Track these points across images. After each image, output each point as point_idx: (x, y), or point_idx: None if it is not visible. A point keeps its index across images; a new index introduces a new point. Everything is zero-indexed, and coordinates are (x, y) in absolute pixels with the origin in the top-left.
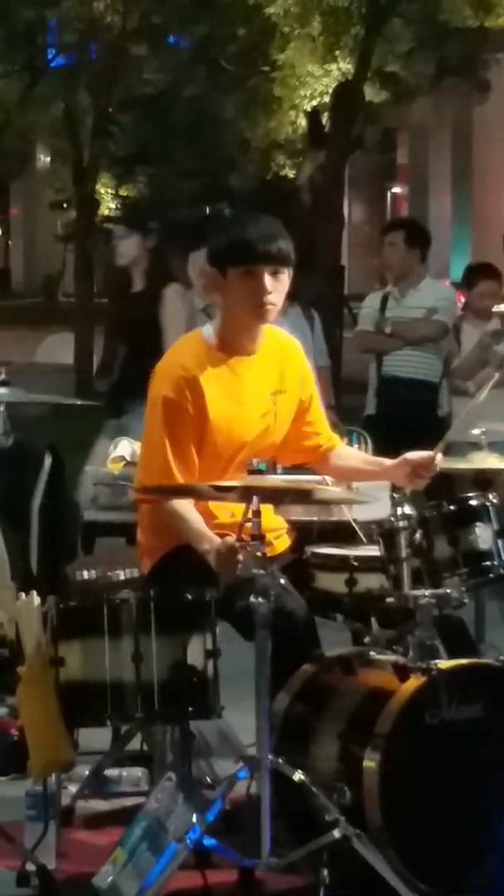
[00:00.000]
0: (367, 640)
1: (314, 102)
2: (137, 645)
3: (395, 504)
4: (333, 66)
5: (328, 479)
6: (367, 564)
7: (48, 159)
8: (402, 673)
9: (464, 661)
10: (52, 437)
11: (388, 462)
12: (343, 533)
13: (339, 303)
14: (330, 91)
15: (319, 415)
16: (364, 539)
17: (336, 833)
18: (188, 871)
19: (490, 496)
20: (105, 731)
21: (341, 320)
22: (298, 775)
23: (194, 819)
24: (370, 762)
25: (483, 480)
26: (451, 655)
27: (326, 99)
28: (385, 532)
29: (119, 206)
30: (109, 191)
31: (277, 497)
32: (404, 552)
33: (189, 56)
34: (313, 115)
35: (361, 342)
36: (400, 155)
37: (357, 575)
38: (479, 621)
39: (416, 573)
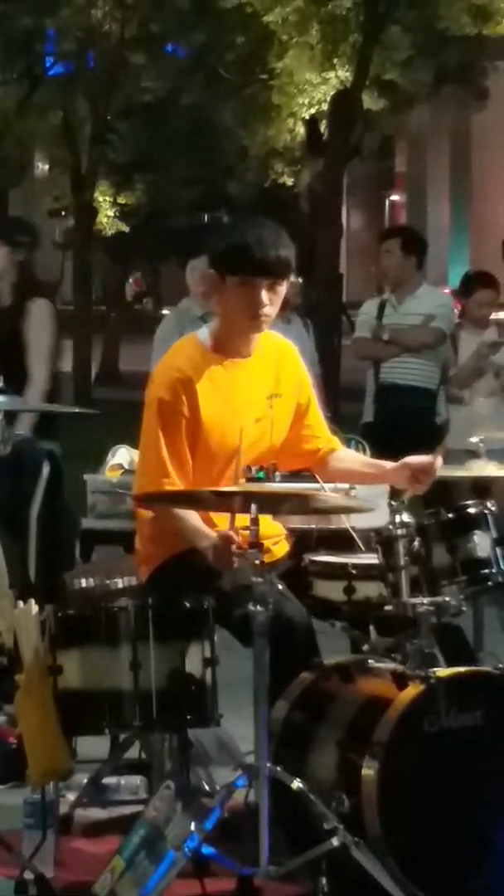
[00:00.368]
0: (365, 647)
1: (312, 110)
2: (136, 653)
3: (394, 512)
4: (332, 74)
5: (326, 486)
6: (366, 572)
7: (46, 167)
8: (401, 681)
9: (462, 669)
10: (51, 445)
11: (388, 465)
12: (341, 541)
13: (337, 310)
14: (328, 99)
15: (318, 418)
16: (362, 547)
17: (334, 841)
18: (187, 879)
19: (488, 504)
20: (103, 740)
21: (339, 328)
22: (297, 783)
23: (193, 827)
24: (369, 770)
25: (481, 488)
26: (450, 663)
27: (325, 107)
28: (383, 540)
29: (118, 213)
30: (108, 198)
31: (276, 504)
32: (403, 560)
33: (187, 64)
34: (312, 123)
35: (359, 349)
36: (398, 162)
37: (355, 583)
38: (478, 629)
39: (414, 581)
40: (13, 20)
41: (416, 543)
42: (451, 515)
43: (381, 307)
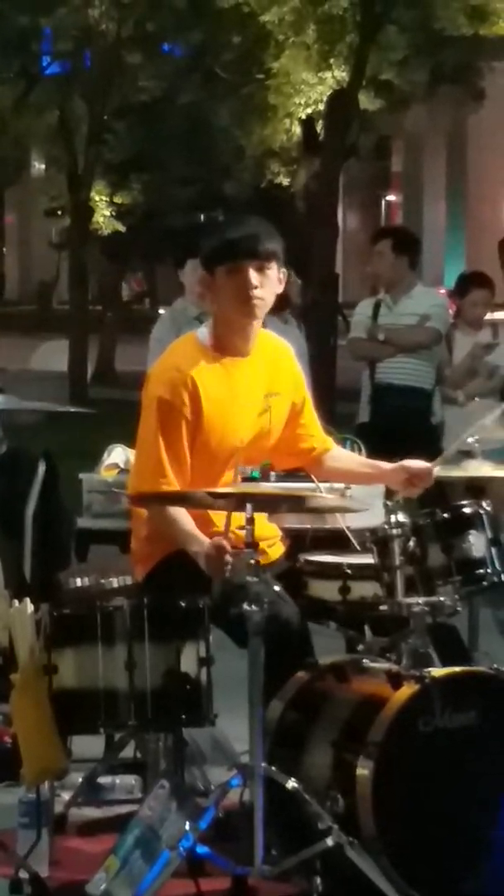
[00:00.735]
0: (360, 647)
1: (309, 110)
2: (131, 652)
3: (389, 512)
4: (328, 74)
5: (322, 486)
6: (361, 572)
7: (43, 166)
8: (396, 681)
9: (457, 669)
10: (46, 445)
11: (384, 465)
12: (337, 540)
13: (333, 310)
14: (324, 99)
15: (312, 417)
16: (358, 547)
17: (329, 841)
18: (181, 879)
19: (483, 504)
20: (98, 739)
21: (335, 328)
22: (291, 783)
23: (187, 827)
24: (363, 770)
25: (476, 488)
26: (445, 663)
27: (321, 107)
28: (379, 540)
29: (114, 213)
30: (104, 198)
31: (271, 504)
32: (398, 560)
33: (184, 64)
34: (308, 123)
35: (354, 350)
36: (394, 163)
37: (351, 583)
38: (473, 629)
39: (409, 581)
40: (9, 19)
41: (411, 543)
42: (446, 515)
43: (377, 307)
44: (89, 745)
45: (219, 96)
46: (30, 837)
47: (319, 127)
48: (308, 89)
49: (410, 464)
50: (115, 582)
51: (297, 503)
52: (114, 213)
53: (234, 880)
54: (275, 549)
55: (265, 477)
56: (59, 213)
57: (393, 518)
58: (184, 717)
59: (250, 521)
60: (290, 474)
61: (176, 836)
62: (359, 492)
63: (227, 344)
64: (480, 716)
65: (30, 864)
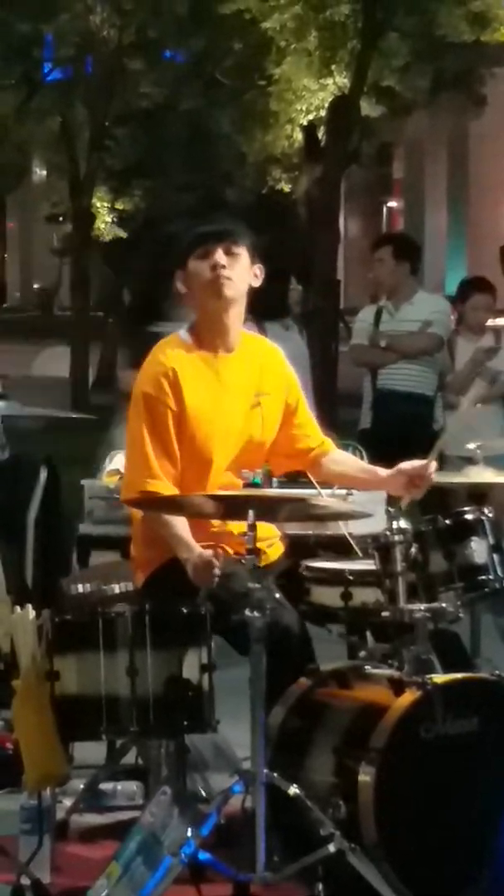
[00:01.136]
0: (362, 654)
1: (310, 116)
2: (133, 659)
3: (391, 518)
4: (329, 81)
5: (324, 492)
6: (363, 578)
7: (44, 173)
8: (398, 687)
9: (459, 675)
10: (48, 451)
11: (383, 471)
12: (338, 547)
13: (334, 316)
14: (326, 105)
15: (308, 418)
16: (359, 553)
17: (331, 847)
18: (183, 885)
19: (485, 510)
20: (100, 745)
21: (337, 334)
22: (293, 789)
23: (189, 833)
24: (365, 776)
25: (478, 495)
26: (447, 670)
27: (323, 113)
28: (380, 546)
29: (115, 219)
30: (106, 204)
31: (273, 510)
32: (400, 566)
33: (185, 70)
34: (309, 130)
35: (356, 356)
36: (396, 169)
37: (352, 589)
38: (475, 635)
39: (411, 587)
40: (11, 26)
41: (413, 550)
42: (448, 522)
43: (378, 314)
44: (91, 752)
45: (220, 103)
46: (31, 844)
47: (321, 133)
48: (309, 96)
49: (406, 465)
50: (116, 588)
51: (298, 508)
52: (115, 220)
53: (236, 887)
54: (274, 550)
55: (267, 483)
56: (61, 219)
57: (395, 524)
58: (186, 723)
59: (252, 526)
60: (292, 480)
61: (178, 843)
62: (361, 498)
63: (206, 338)
64: (482, 722)
65: (31, 871)
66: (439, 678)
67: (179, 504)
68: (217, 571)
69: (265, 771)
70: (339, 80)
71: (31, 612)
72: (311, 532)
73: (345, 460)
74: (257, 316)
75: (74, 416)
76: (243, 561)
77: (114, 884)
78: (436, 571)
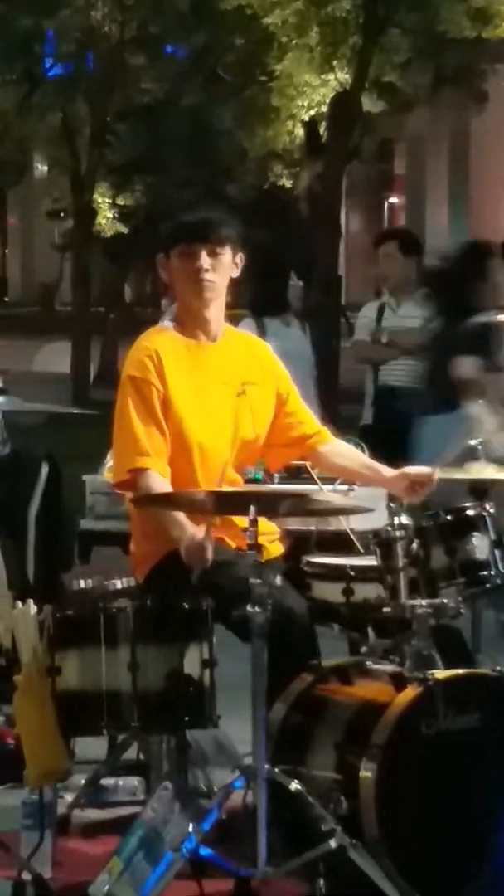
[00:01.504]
0: (363, 649)
1: (312, 112)
2: (134, 654)
3: (392, 514)
4: (331, 76)
5: (325, 488)
6: (364, 574)
7: (45, 168)
8: (399, 683)
9: (460, 671)
10: (49, 446)
11: (386, 470)
12: (340, 542)
13: (336, 312)
14: (327, 101)
15: (300, 406)
16: (361, 549)
17: (332, 843)
18: (184, 881)
19: (487, 506)
20: (101, 741)
21: (338, 330)
22: (295, 785)
23: (190, 828)
24: (367, 772)
25: (480, 490)
26: (448, 665)
27: (324, 109)
28: (382, 542)
29: (117, 214)
30: (107, 200)
31: (274, 506)
32: (401, 562)
33: (187, 66)
34: (311, 125)
35: (358, 352)
36: (397, 165)
37: (354, 584)
38: (476, 631)
39: (412, 583)
40: (12, 21)
41: (414, 545)
42: (449, 517)
43: (381, 310)
44: (92, 747)
45: (221, 98)
46: (33, 839)
47: (322, 129)
48: (311, 91)
49: (411, 470)
50: (118, 583)
51: (299, 504)
52: (116, 215)
53: (238, 882)
54: (273, 547)
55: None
56: (62, 214)
57: (396, 520)
58: (187, 718)
59: (253, 522)
60: (293, 476)
61: (179, 838)
62: (362, 493)
63: (189, 327)
64: (484, 718)
65: (33, 866)
66: (441, 674)
67: (179, 500)
68: (209, 553)
69: (266, 766)
70: (341, 76)
71: (33, 608)
72: (312, 528)
73: (348, 453)
74: (257, 312)
75: (75, 411)
76: (245, 555)
77: (115, 879)
78: (437, 567)
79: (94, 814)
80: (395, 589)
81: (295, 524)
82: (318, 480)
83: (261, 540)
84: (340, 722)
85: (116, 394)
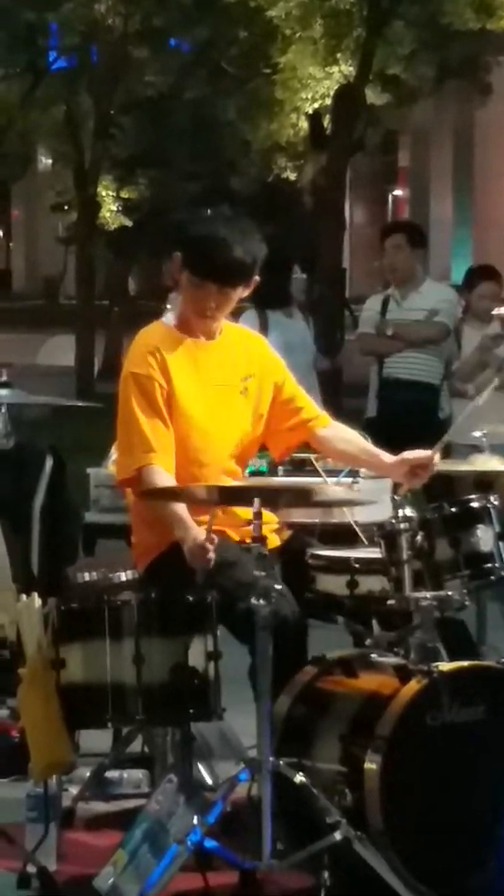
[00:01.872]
0: (368, 642)
1: (315, 105)
2: (138, 647)
3: (397, 506)
4: (335, 69)
5: (330, 480)
6: (369, 566)
7: (49, 161)
8: (404, 675)
9: (465, 663)
10: (54, 439)
11: (386, 457)
12: (344, 535)
13: (340, 305)
14: (331, 94)
15: (297, 391)
16: (365, 541)
17: (337, 835)
18: (189, 873)
19: (491, 498)
20: (106, 733)
21: (342, 323)
22: (299, 777)
23: (195, 821)
24: (371, 764)
25: (484, 483)
26: (453, 658)
27: (328, 101)
28: (386, 534)
29: (120, 208)
30: (111, 193)
31: (278, 497)
32: (405, 554)
33: (190, 59)
34: (315, 118)
35: (362, 345)
36: (401, 157)
37: (358, 577)
38: (481, 623)
39: (417, 575)
40: (16, 14)
41: (418, 538)
42: (454, 510)
43: (385, 303)
44: (97, 740)
45: (225, 91)
46: (38, 831)
47: (326, 122)
48: (315, 84)
49: (410, 454)
50: (122, 576)
51: (303, 497)
52: (120, 208)
53: (242, 874)
54: (273, 537)
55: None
56: (66, 208)
57: (401, 512)
58: (191, 711)
59: (258, 515)
60: (297, 468)
61: (184, 831)
62: (367, 486)
63: (189, 327)
64: (488, 710)
65: (38, 859)
66: (445, 666)
67: (182, 494)
68: (211, 554)
69: (271, 759)
70: (345, 69)
71: (37, 601)
72: (316, 520)
73: (350, 438)
74: (260, 304)
75: (80, 404)
76: (250, 548)
77: (120, 871)
78: (442, 559)
79: (98, 806)
80: (399, 581)
81: (299, 517)
82: (322, 473)
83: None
84: (345, 714)
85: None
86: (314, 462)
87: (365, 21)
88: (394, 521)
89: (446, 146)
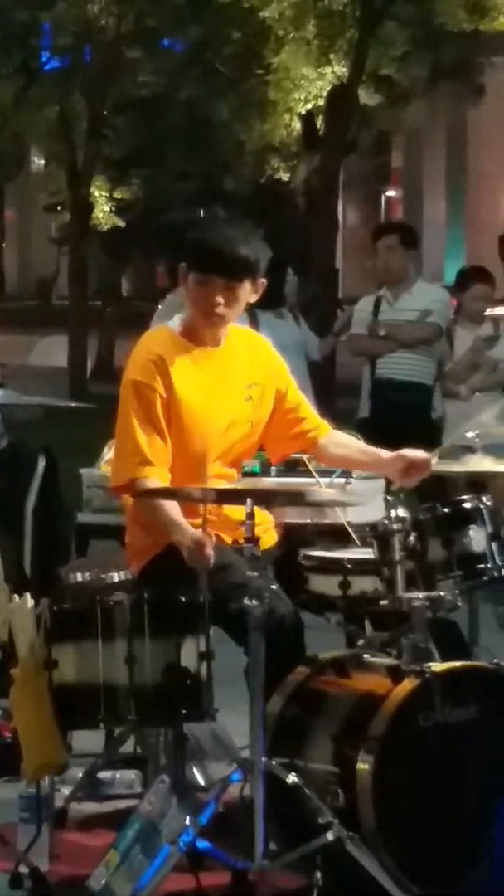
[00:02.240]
0: (360, 642)
1: (309, 105)
2: (131, 647)
3: (389, 506)
4: (328, 70)
5: (322, 481)
6: (361, 567)
7: (42, 162)
8: (396, 675)
9: (457, 663)
10: (46, 440)
11: (384, 454)
12: (337, 535)
13: (333, 306)
14: (324, 94)
15: (300, 399)
16: (358, 541)
17: (329, 835)
18: (181, 874)
19: (484, 499)
20: (98, 734)
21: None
22: (292, 778)
23: (188, 821)
24: (364, 765)
25: (477, 483)
26: (445, 658)
27: (321, 102)
28: (379, 534)
29: (114, 208)
30: (104, 193)
31: (271, 499)
32: (398, 555)
33: (184, 59)
34: (308, 118)
35: (355, 346)
36: (394, 158)
37: (351, 577)
38: (473, 624)
39: (409, 576)
40: (9, 14)
41: (411, 538)
42: (446, 510)
43: (377, 303)
44: (89, 740)
45: (219, 92)
46: (30, 832)
47: (319, 122)
48: (308, 84)
49: (408, 453)
50: (115, 577)
51: (296, 498)
52: (113, 209)
53: (235, 875)
54: (268, 536)
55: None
56: (59, 208)
57: (393, 513)
58: (184, 711)
59: (251, 515)
60: (290, 469)
61: (176, 831)
62: (360, 486)
63: (196, 334)
64: (481, 711)
65: (30, 859)
66: (438, 667)
67: (175, 495)
68: (210, 551)
69: (263, 759)
70: (338, 69)
71: (30, 601)
72: (309, 520)
73: (346, 442)
74: (250, 305)
75: (72, 405)
76: (242, 549)
77: (112, 872)
78: (434, 560)
79: (91, 807)
80: (392, 582)
81: (292, 517)
82: (315, 474)
83: (256, 531)
84: (338, 715)
85: (114, 388)
86: (307, 462)
87: (358, 22)
88: (386, 521)
89: (439, 147)
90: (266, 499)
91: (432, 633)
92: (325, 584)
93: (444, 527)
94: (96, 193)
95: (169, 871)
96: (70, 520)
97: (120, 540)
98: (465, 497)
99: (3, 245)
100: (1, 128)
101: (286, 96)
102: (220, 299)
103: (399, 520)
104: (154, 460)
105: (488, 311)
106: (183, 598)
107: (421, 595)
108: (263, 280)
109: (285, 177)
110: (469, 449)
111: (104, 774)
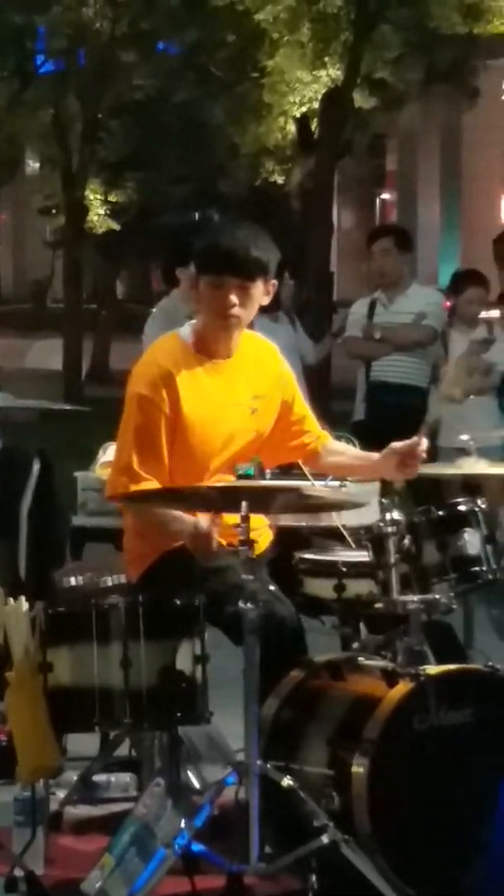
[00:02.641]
0: (355, 645)
1: (303, 108)
2: (126, 650)
3: (384, 509)
4: (322, 73)
5: (317, 483)
6: (356, 570)
7: (37, 165)
8: (391, 678)
9: (452, 666)
10: (41, 443)
11: (375, 455)
12: (332, 538)
13: (328, 309)
14: (319, 97)
15: (305, 411)
16: (353, 544)
17: (325, 838)
18: (176, 877)
19: (478, 501)
20: (93, 737)
21: (330, 326)
22: (287, 781)
23: (183, 824)
24: (359, 768)
25: (471, 486)
26: (440, 661)
27: (315, 105)
28: (374, 537)
29: (108, 211)
30: (98, 196)
31: (265, 501)
32: (393, 557)
33: (178, 62)
34: (302, 121)
35: (349, 348)
36: (389, 161)
37: (346, 580)
38: (468, 627)
39: (404, 578)
40: (4, 17)
41: (406, 541)
42: (441, 513)
43: (372, 306)
44: (84, 744)
45: (213, 95)
46: (25, 835)
47: (314, 125)
48: (302, 87)
49: (397, 445)
50: (109, 580)
51: (291, 500)
52: (108, 212)
53: (230, 878)
54: (264, 539)
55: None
56: (54, 211)
57: (388, 515)
58: (179, 714)
59: (245, 518)
60: (285, 472)
61: (171, 834)
62: (355, 489)
63: (209, 345)
64: (476, 713)
65: (25, 863)
66: (433, 669)
67: (170, 496)
68: (216, 537)
69: (259, 762)
70: (332, 72)
71: (25, 604)
72: (303, 523)
73: (342, 450)
74: None
75: (67, 407)
76: (238, 552)
77: (107, 875)
78: (429, 563)
79: (86, 810)
80: (386, 585)
81: (287, 520)
82: (309, 476)
83: (251, 534)
84: (332, 717)
85: (109, 391)
86: (301, 465)
87: (352, 25)
88: (381, 524)
89: (434, 150)
90: (263, 499)
91: (427, 635)
92: (320, 587)
93: (439, 530)
94: (91, 196)
95: (164, 875)
96: (65, 523)
97: (115, 543)
98: (459, 500)
99: None
100: None
101: (281, 99)
102: (235, 299)
103: (394, 522)
104: (146, 478)
105: (482, 315)
106: (178, 602)
107: (416, 598)
108: (275, 282)
109: (280, 180)
110: (463, 452)
111: (99, 778)
